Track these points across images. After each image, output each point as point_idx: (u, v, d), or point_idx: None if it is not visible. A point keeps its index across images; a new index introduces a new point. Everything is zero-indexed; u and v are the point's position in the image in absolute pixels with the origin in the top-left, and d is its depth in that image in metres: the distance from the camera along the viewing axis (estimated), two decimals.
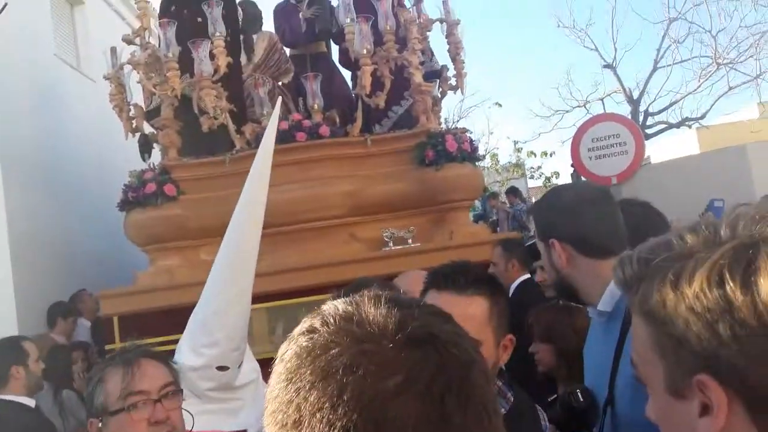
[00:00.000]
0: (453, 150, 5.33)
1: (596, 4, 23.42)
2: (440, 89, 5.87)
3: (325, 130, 5.23)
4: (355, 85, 5.57)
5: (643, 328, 0.90)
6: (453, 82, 5.81)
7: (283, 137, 5.24)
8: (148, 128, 5.46)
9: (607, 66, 17.72)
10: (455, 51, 5.67)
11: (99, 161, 6.98)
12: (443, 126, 5.75)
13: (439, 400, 0.68)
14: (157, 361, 1.76)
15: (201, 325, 2.40)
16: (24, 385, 3.48)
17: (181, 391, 1.75)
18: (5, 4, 5.83)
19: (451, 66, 5.82)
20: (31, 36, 6.59)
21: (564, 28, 18.53)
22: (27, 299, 5.77)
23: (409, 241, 5.21)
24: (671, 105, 17.90)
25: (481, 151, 5.74)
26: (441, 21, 5.66)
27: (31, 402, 3.55)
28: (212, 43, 5.01)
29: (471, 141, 5.52)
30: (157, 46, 5.17)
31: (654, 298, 0.87)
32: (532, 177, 19.14)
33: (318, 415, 0.66)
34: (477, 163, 5.63)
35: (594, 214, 1.77)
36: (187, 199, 5.16)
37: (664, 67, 17.76)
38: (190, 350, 2.38)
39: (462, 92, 5.81)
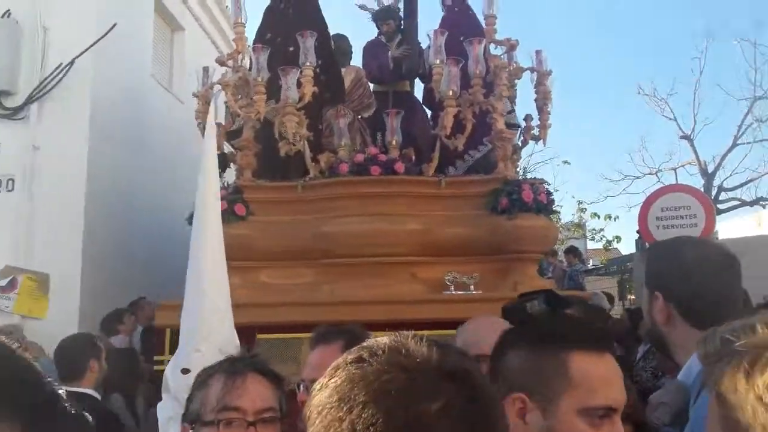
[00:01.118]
0: (528, 200, 4.84)
1: (680, 75, 22.25)
2: (521, 138, 5.30)
3: (400, 166, 4.80)
4: (435, 125, 5.10)
5: (714, 406, 0.90)
6: (536, 132, 5.23)
7: (357, 170, 4.80)
8: (227, 148, 5.09)
9: (685, 137, 16.68)
10: (543, 101, 5.18)
11: (173, 176, 6.71)
12: (520, 175, 5.14)
13: (470, 427, 0.76)
14: (266, 379, 1.53)
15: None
16: (96, 378, 3.49)
17: (280, 418, 1.51)
18: (114, 24, 5.84)
19: (536, 116, 5.24)
20: (131, 55, 6.63)
21: (644, 96, 17.24)
22: (91, 298, 5.63)
23: (472, 287, 4.72)
24: (747, 183, 16.69)
25: None
26: (532, 70, 5.16)
27: (98, 395, 3.54)
28: (301, 71, 4.60)
29: (548, 193, 4.96)
30: (248, 70, 4.80)
31: (726, 382, 0.85)
32: (592, 239, 18.04)
33: (371, 429, 0.73)
34: (551, 217, 5.02)
35: (711, 283, 1.57)
36: (255, 221, 4.83)
37: (744, 144, 16.51)
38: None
39: (544, 143, 5.32)
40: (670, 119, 17.09)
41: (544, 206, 5.04)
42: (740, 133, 16.30)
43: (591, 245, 18.64)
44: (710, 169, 16.48)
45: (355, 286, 4.93)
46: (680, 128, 16.90)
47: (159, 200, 6.81)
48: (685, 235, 6.33)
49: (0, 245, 5.59)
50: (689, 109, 17.07)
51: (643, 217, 6.64)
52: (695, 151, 16.73)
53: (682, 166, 17.18)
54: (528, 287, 4.94)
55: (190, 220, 4.96)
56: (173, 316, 4.89)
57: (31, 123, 5.86)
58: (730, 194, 16.67)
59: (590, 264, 16.81)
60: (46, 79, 6.00)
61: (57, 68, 5.97)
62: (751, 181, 16.61)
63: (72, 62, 5.95)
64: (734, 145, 16.36)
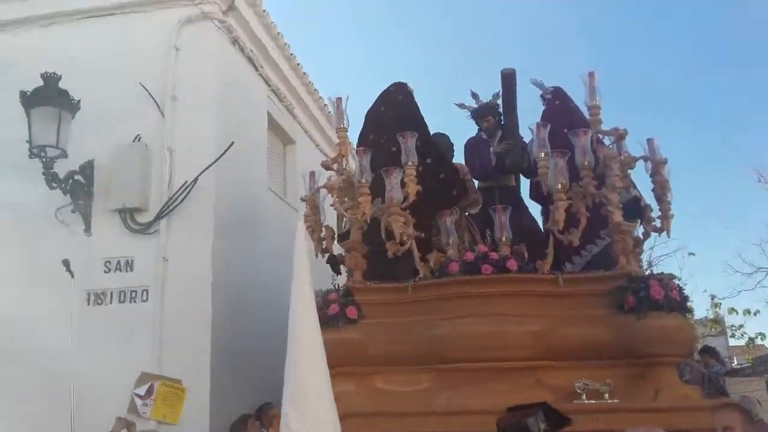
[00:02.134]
0: (659, 297, 4.15)
1: None
2: (642, 230, 4.62)
3: (513, 263, 4.26)
4: (546, 220, 4.55)
5: None
6: (657, 223, 4.54)
7: (468, 269, 4.30)
8: (339, 249, 4.73)
9: None
10: (661, 191, 4.58)
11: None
12: (645, 269, 4.42)
13: None
14: None
15: None
16: None
17: None
18: (232, 143, 5.91)
19: (655, 206, 4.57)
20: (248, 170, 6.66)
21: (765, 184, 15.61)
22: (221, 403, 5.44)
23: (606, 395, 3.97)
24: None
25: None
26: (645, 159, 4.60)
27: None
28: (404, 171, 4.25)
29: (680, 289, 4.22)
30: (353, 172, 4.52)
31: None
32: (733, 336, 15.98)
33: None
34: (686, 315, 4.23)
35: None
36: (367, 323, 4.42)
37: None
38: None
39: (668, 234, 4.63)
40: None
41: (677, 303, 4.32)
42: None
43: (732, 342, 16.52)
44: None
45: (475, 393, 4.35)
46: None
47: (283, 306, 6.54)
48: None
49: (137, 353, 5.56)
50: None
51: None
52: None
53: None
54: (670, 395, 4.13)
55: None
56: None
57: (161, 237, 5.92)
58: None
59: (734, 363, 14.76)
60: (173, 196, 6.07)
61: (182, 186, 6.07)
62: None
63: (195, 180, 6.06)
64: None
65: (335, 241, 4.84)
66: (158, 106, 6.15)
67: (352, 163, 5.41)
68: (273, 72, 7.23)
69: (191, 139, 6.05)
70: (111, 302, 5.84)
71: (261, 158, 6.98)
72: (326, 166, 4.87)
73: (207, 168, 5.99)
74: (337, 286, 4.67)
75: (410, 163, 4.56)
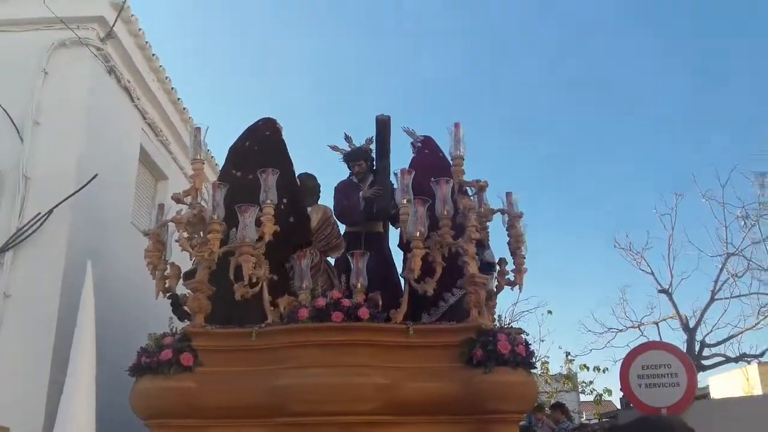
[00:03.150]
0: (505, 352, 3.95)
1: (653, 229, 21.42)
2: (497, 283, 4.45)
3: (364, 312, 3.98)
4: (404, 268, 4.27)
5: None
6: (511, 276, 4.39)
7: (318, 315, 3.93)
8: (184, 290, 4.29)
9: (663, 291, 15.54)
10: (516, 244, 4.44)
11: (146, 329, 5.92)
12: (496, 324, 4.22)
13: None
14: None
15: None
16: None
17: None
18: (95, 175, 5.57)
19: (509, 260, 4.42)
20: (113, 203, 6.18)
21: (620, 249, 16.43)
22: None
23: None
24: (729, 338, 15.28)
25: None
26: (503, 212, 4.47)
27: None
28: (261, 209, 3.92)
29: (526, 344, 4.09)
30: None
31: None
32: (583, 392, 16.32)
33: None
34: (531, 371, 4.02)
35: None
36: (204, 372, 3.94)
37: (722, 299, 15.36)
38: None
39: (520, 288, 4.50)
40: (648, 273, 15.97)
41: (523, 359, 4.11)
42: (717, 288, 15.26)
43: (582, 398, 16.79)
44: (692, 323, 15.23)
45: None
46: (658, 282, 15.79)
47: (134, 347, 5.93)
48: (668, 394, 5.76)
49: None
50: (665, 263, 15.99)
51: (624, 376, 5.96)
52: (675, 306, 15.59)
53: (664, 320, 15.87)
54: None
55: (131, 371, 4.07)
56: None
57: (5, 271, 5.36)
58: (714, 350, 15.29)
59: (583, 418, 14.97)
60: (23, 227, 5.44)
61: (35, 217, 5.46)
62: (732, 336, 15.25)
63: (50, 212, 5.58)
64: (712, 300, 15.28)
65: (180, 281, 4.36)
66: (17, 130, 5.67)
67: None
68: (150, 104, 6.83)
69: (52, 167, 5.63)
70: None
71: (128, 192, 6.51)
72: (177, 199, 4.44)
73: (64, 200, 5.54)
74: (174, 329, 4.18)
75: (268, 201, 4.23)
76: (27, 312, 5.22)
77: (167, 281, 4.31)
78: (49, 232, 5.41)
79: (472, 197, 4.68)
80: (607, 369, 15.45)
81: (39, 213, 5.49)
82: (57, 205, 5.50)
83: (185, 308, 4.31)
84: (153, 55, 6.60)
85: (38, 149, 5.61)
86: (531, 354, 4.26)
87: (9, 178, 5.58)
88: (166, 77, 7.02)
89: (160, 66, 6.79)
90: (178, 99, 7.35)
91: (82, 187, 5.58)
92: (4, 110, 5.68)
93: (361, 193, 5.19)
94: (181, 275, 4.38)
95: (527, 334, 4.36)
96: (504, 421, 4.04)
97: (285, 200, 4.49)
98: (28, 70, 5.79)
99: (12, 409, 4.86)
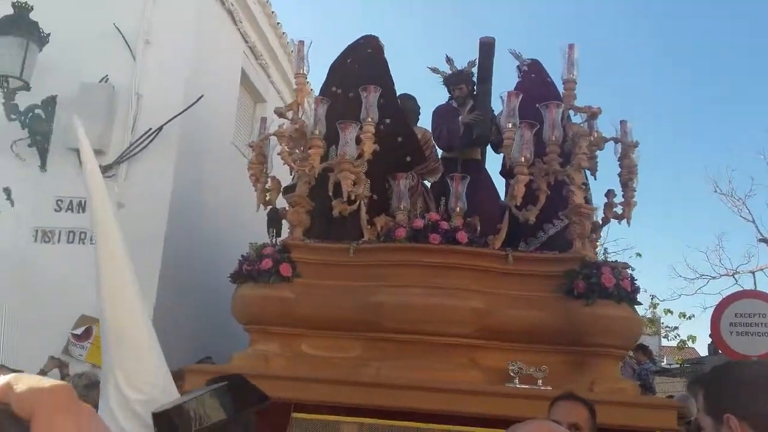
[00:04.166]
0: (610, 285, 3.59)
1: (758, 174, 19.35)
2: (603, 215, 4.05)
3: (462, 236, 3.73)
4: (506, 194, 3.96)
5: None
6: (619, 210, 3.98)
7: (415, 236, 3.74)
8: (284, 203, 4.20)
9: (763, 240, 14.27)
10: (628, 176, 4.04)
11: (247, 240, 5.99)
12: (600, 256, 3.86)
13: None
14: None
15: None
16: None
17: None
18: (201, 96, 5.56)
19: (619, 192, 4.01)
20: (215, 124, 6.17)
21: (721, 195, 15.11)
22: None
23: (539, 382, 3.46)
24: None
25: None
26: (616, 140, 4.01)
27: None
28: (362, 127, 3.70)
29: (632, 279, 3.64)
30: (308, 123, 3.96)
31: None
32: (665, 336, 15.51)
33: None
34: (635, 307, 3.67)
35: None
36: (301, 283, 3.85)
37: None
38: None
39: (628, 222, 4.10)
40: (749, 221, 14.66)
41: (628, 294, 3.75)
42: None
43: (665, 343, 16.07)
44: None
45: (405, 367, 3.81)
46: (759, 231, 14.49)
47: (231, 263, 6.08)
48: (760, 342, 5.52)
49: (80, 296, 5.10)
50: None
51: (716, 322, 5.77)
52: None
53: (761, 269, 14.67)
54: (607, 388, 3.59)
55: (233, 278, 4.05)
56: (202, 382, 3.90)
57: (119, 182, 5.53)
58: None
59: (664, 362, 14.35)
60: (135, 142, 5.56)
61: (146, 132, 5.61)
62: None
63: (160, 128, 5.66)
64: None
65: (280, 194, 4.26)
66: (130, 49, 5.74)
67: None
68: (251, 28, 6.72)
69: (160, 85, 5.72)
70: (59, 241, 5.51)
71: (230, 113, 6.52)
72: (280, 114, 4.30)
73: (174, 117, 5.63)
74: (274, 241, 4.11)
75: (369, 120, 4.01)
76: (138, 221, 5.33)
77: (268, 194, 4.23)
78: (159, 148, 5.53)
79: (582, 124, 4.24)
80: (693, 316, 14.66)
81: (150, 129, 5.59)
82: (167, 122, 5.58)
83: (283, 221, 4.23)
84: None
85: (149, 68, 5.67)
86: (636, 290, 3.90)
87: (122, 95, 5.69)
88: (267, 1, 6.85)
89: None
90: (278, 23, 7.19)
91: (189, 107, 5.64)
92: (118, 29, 5.71)
93: (460, 117, 4.86)
94: (282, 189, 4.29)
95: (633, 269, 3.99)
96: (605, 355, 3.76)
97: (388, 120, 4.24)
98: None
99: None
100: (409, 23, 35.13)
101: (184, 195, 5.58)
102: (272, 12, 6.87)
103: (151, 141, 5.60)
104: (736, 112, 28.12)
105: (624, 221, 4.20)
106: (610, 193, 4.29)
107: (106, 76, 5.72)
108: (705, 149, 27.46)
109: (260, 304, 3.89)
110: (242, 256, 4.07)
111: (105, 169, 5.62)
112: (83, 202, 5.64)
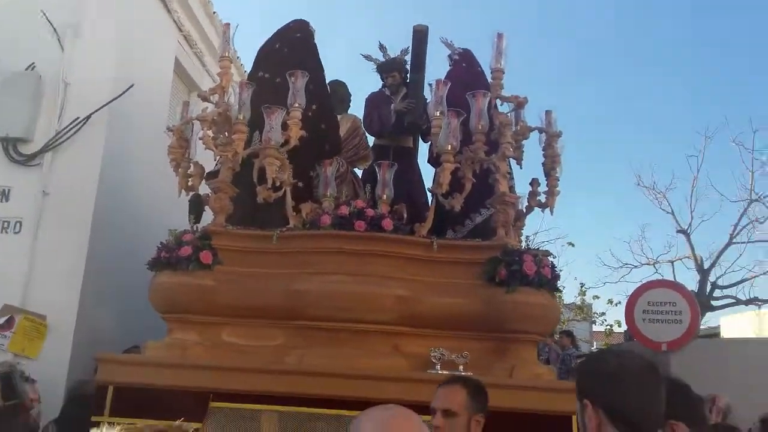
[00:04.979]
0: (530, 273, 3.53)
1: (678, 169, 19.97)
2: (527, 203, 3.99)
3: (388, 223, 3.60)
4: (433, 182, 3.85)
5: None
6: (542, 198, 3.92)
7: (340, 223, 3.55)
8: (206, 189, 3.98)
9: (681, 231, 14.82)
10: (551, 165, 3.99)
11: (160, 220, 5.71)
12: (523, 244, 3.78)
13: None
14: None
15: None
16: None
17: None
18: (131, 85, 5.42)
19: (543, 181, 3.96)
20: (147, 113, 5.94)
21: (643, 188, 15.61)
22: (85, 344, 4.83)
23: (461, 368, 3.37)
24: (741, 282, 14.76)
25: None
26: (540, 130, 3.98)
27: None
28: (288, 112, 3.52)
29: (552, 267, 3.60)
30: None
31: None
32: (594, 322, 15.90)
33: None
34: (555, 294, 3.61)
35: (634, 388, 1.46)
36: (222, 271, 3.64)
37: (739, 243, 14.74)
38: None
39: (551, 211, 4.06)
40: (668, 213, 15.17)
41: (548, 281, 3.69)
42: (736, 232, 14.59)
43: (595, 328, 16.44)
44: (706, 265, 14.60)
45: (329, 355, 3.66)
46: (677, 222, 15.01)
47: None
48: (670, 329, 5.70)
49: (2, 285, 4.99)
50: (687, 203, 15.17)
51: (629, 310, 5.92)
52: (692, 247, 14.94)
53: (679, 259, 15.27)
54: (525, 374, 3.51)
55: (150, 265, 3.80)
56: (116, 371, 3.64)
57: (44, 170, 5.29)
58: (725, 291, 14.63)
59: (594, 347, 14.70)
60: (62, 130, 5.28)
61: (73, 121, 5.31)
62: (745, 280, 14.68)
63: (88, 117, 5.47)
64: (730, 243, 14.61)
65: (203, 180, 4.03)
66: (58, 36, 5.45)
67: None
68: (186, 17, 6.45)
69: (89, 73, 5.51)
70: None
71: (162, 102, 6.28)
72: (203, 97, 4.08)
73: (101, 107, 5.41)
74: (195, 228, 3.88)
75: (296, 105, 3.82)
76: (64, 210, 5.17)
77: (190, 180, 3.99)
78: (87, 137, 5.31)
79: (508, 113, 4.17)
80: (620, 302, 15.03)
81: (78, 117, 5.35)
82: (95, 111, 5.41)
83: (206, 208, 4.00)
84: None
85: (77, 57, 5.44)
86: (556, 277, 3.84)
87: (49, 83, 5.44)
88: None
89: None
90: (214, 12, 6.93)
91: (119, 96, 5.46)
92: (46, 17, 5.41)
93: (392, 105, 4.72)
94: (204, 175, 4.06)
95: (554, 257, 3.93)
96: (524, 341, 3.68)
97: (314, 106, 4.06)
98: None
99: (50, 300, 4.93)
100: (345, 11, 34.55)
101: (111, 182, 5.35)
102: (208, 1, 6.62)
103: (78, 130, 5.36)
104: (663, 104, 28.98)
105: (547, 210, 4.15)
106: (534, 182, 4.23)
107: (33, 63, 5.46)
108: (631, 143, 28.19)
109: (178, 291, 3.65)
110: (161, 242, 3.82)
111: (29, 158, 5.34)
112: (7, 191, 5.34)
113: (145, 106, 5.75)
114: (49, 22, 5.41)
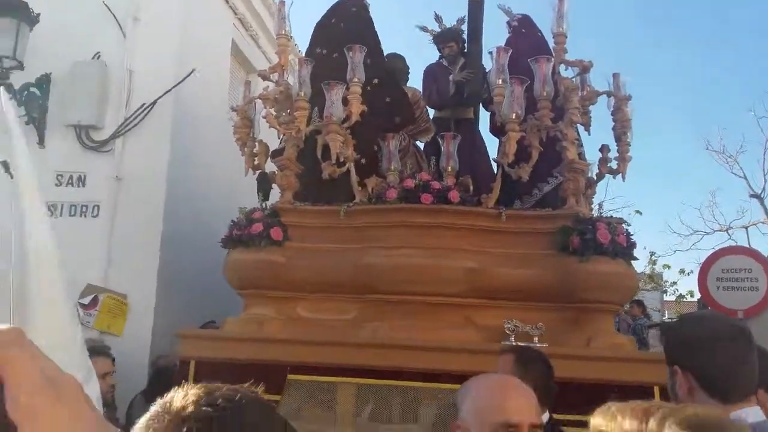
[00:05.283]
0: (605, 241, 3.37)
1: (748, 132, 18.80)
2: (598, 171, 3.81)
3: (454, 195, 3.50)
4: (498, 152, 3.72)
5: None
6: (614, 165, 3.73)
7: (407, 197, 3.50)
8: (272, 167, 3.98)
9: (755, 195, 14.00)
10: (621, 129, 3.77)
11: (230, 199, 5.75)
12: (595, 213, 3.61)
13: None
14: None
15: None
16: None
17: None
18: (193, 69, 5.41)
19: (613, 146, 3.76)
20: (208, 96, 5.99)
21: (713, 152, 14.79)
22: (165, 320, 4.96)
23: (536, 339, 3.29)
24: None
25: None
26: (609, 94, 3.78)
27: None
28: (348, 87, 3.45)
29: (627, 235, 3.40)
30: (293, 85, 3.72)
31: None
32: (665, 292, 15.27)
33: None
34: (631, 262, 3.44)
35: (725, 353, 1.40)
36: (293, 247, 3.64)
37: None
38: None
39: (623, 177, 3.83)
40: (740, 177, 14.33)
41: (623, 250, 3.53)
42: None
43: (666, 298, 15.86)
44: None
45: (401, 327, 3.63)
46: (750, 186, 14.19)
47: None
48: (746, 297, 5.48)
49: (84, 266, 5.11)
50: (759, 166, 14.29)
51: (703, 278, 5.78)
52: (766, 211, 13.96)
53: (754, 224, 14.49)
54: (603, 344, 3.39)
55: (224, 243, 3.86)
56: (198, 346, 3.73)
57: (116, 156, 5.43)
58: None
59: (666, 317, 14.22)
60: (130, 116, 5.43)
61: (140, 107, 5.48)
62: None
63: (154, 103, 5.62)
64: None
65: (268, 158, 4.03)
66: (120, 25, 5.59)
67: None
68: (240, 0, 6.42)
69: (152, 60, 5.57)
70: (61, 215, 5.37)
71: (222, 85, 6.33)
72: (264, 77, 4.06)
73: (166, 92, 5.54)
74: (264, 206, 3.90)
75: (356, 80, 3.75)
76: (138, 193, 5.30)
77: (256, 159, 4.00)
78: (154, 122, 5.42)
79: (573, 78, 3.97)
80: (692, 272, 14.43)
81: (144, 104, 5.44)
82: (159, 98, 5.49)
83: (273, 186, 4.01)
84: None
85: (138, 44, 5.53)
86: (632, 245, 3.66)
87: (114, 72, 5.53)
88: None
89: None
90: None
91: (181, 81, 5.52)
92: (107, 6, 5.50)
93: (451, 76, 4.58)
94: (270, 153, 4.06)
95: (629, 225, 3.75)
96: (600, 310, 3.55)
97: (375, 80, 3.98)
98: None
99: (129, 280, 5.12)
100: None
101: (180, 166, 5.46)
102: None
103: (145, 116, 5.47)
104: (727, 70, 27.29)
105: (619, 176, 3.95)
106: (604, 148, 4.03)
107: (98, 53, 5.58)
108: (697, 106, 26.69)
109: (252, 268, 3.69)
110: (232, 221, 3.86)
111: (101, 144, 5.50)
112: (83, 177, 5.53)
113: (207, 89, 5.81)
114: (111, 12, 5.51)
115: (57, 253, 1.63)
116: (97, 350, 3.85)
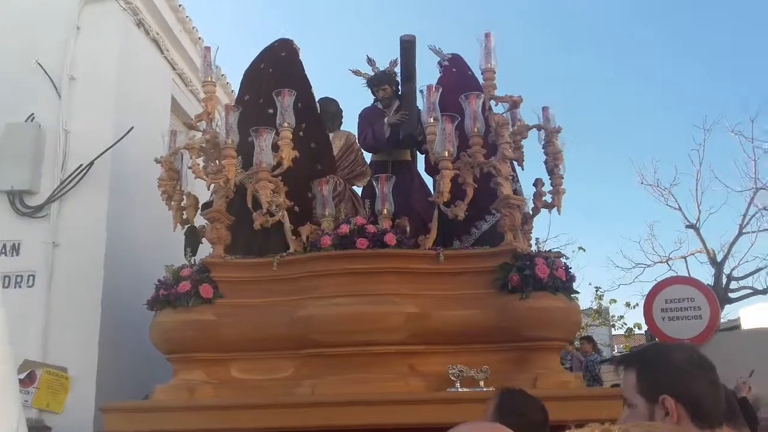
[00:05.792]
0: (544, 276, 3.17)
1: (681, 164, 19.20)
2: (533, 205, 3.67)
3: (390, 237, 3.32)
4: (434, 192, 3.56)
5: None
6: (548, 198, 3.60)
7: (341, 243, 3.27)
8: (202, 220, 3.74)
9: (690, 226, 14.21)
10: (553, 162, 3.67)
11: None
12: (533, 248, 3.45)
13: None
14: None
15: None
16: None
17: None
18: (131, 128, 5.15)
19: (547, 180, 3.65)
20: (148, 153, 5.55)
21: (647, 186, 15.03)
22: (107, 393, 4.45)
23: (481, 383, 3.04)
24: (756, 271, 14.17)
25: None
26: (539, 128, 3.67)
27: None
28: (278, 133, 3.28)
29: (566, 268, 3.24)
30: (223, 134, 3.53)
31: None
32: (613, 326, 15.23)
33: None
34: (573, 296, 3.26)
35: (710, 381, 1.39)
36: (224, 304, 3.37)
37: (750, 233, 14.17)
38: None
39: (558, 211, 3.75)
40: (675, 209, 14.55)
41: (563, 284, 3.37)
42: (745, 222, 14.07)
43: (614, 332, 15.84)
44: (719, 257, 14.12)
45: (342, 382, 3.36)
46: (686, 218, 14.42)
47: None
48: (690, 326, 5.46)
49: (20, 340, 4.68)
50: (693, 198, 14.55)
51: (648, 310, 5.76)
52: (702, 241, 14.35)
53: (692, 254, 14.68)
54: (551, 382, 3.17)
55: (150, 305, 3.55)
56: (124, 420, 3.36)
57: (52, 221, 5.09)
58: (741, 282, 14.06)
59: (615, 351, 14.05)
60: (66, 179, 5.15)
61: (77, 169, 5.24)
62: (760, 269, 14.09)
63: (91, 163, 5.35)
64: (740, 234, 14.01)
65: (198, 212, 3.78)
66: (54, 85, 5.32)
67: None
68: (179, 56, 6.30)
69: (88, 120, 5.33)
70: None
71: (162, 141, 6.02)
72: (189, 126, 3.87)
73: (104, 152, 5.26)
74: (193, 262, 3.63)
75: (286, 125, 3.58)
76: (75, 260, 4.93)
77: (185, 212, 3.76)
78: (92, 184, 5.12)
79: (503, 114, 3.88)
80: (637, 305, 14.37)
81: (81, 165, 5.18)
82: (97, 158, 5.22)
83: (203, 240, 3.76)
84: (179, 5, 6.06)
85: (75, 103, 5.29)
86: (571, 278, 3.50)
87: (49, 133, 5.27)
88: (193, 27, 6.45)
89: (187, 16, 6.25)
90: (206, 46, 6.78)
91: (119, 140, 5.25)
92: (41, 67, 5.29)
93: (386, 119, 4.47)
94: (200, 206, 3.82)
95: (567, 258, 3.59)
96: (545, 348, 3.34)
97: (304, 125, 3.82)
98: (61, 26, 5.39)
99: (69, 351, 4.70)
100: (329, 23, 33.85)
101: (119, 228, 5.12)
102: (199, 38, 6.47)
103: (82, 177, 5.18)
104: (659, 101, 28.07)
105: (554, 215, 3.83)
106: (538, 182, 3.92)
107: (32, 114, 5.30)
108: (630, 141, 27.33)
109: (180, 330, 3.39)
110: (159, 280, 3.57)
111: (36, 210, 5.18)
112: (17, 245, 5.17)
113: (146, 147, 5.57)
114: (45, 71, 5.30)
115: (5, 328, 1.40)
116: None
